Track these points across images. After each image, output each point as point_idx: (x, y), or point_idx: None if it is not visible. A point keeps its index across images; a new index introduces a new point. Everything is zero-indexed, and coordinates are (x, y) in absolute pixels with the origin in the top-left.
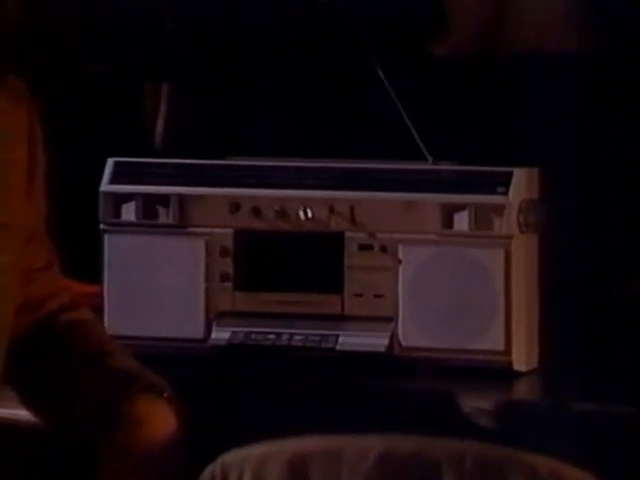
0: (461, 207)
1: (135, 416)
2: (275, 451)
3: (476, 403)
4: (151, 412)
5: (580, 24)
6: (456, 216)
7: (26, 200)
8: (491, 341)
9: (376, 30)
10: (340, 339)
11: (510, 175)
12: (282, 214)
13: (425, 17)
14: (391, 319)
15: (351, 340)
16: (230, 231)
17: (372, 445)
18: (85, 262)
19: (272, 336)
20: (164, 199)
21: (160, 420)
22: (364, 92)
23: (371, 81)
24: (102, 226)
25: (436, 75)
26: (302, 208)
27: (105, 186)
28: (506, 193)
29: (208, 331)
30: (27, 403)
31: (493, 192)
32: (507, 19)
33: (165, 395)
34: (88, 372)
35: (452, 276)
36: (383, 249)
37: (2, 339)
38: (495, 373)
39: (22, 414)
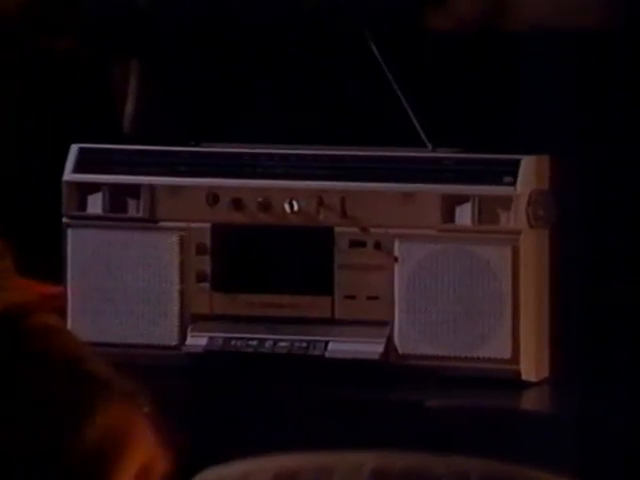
0: (464, 199)
1: (111, 427)
2: (258, 469)
3: (480, 416)
4: (128, 423)
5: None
6: (458, 209)
7: None
8: (497, 348)
9: (370, 3)
10: (330, 345)
11: (518, 163)
12: (265, 207)
13: None
14: (386, 323)
15: (342, 347)
16: (207, 226)
17: (366, 461)
18: (45, 259)
19: (254, 342)
20: (134, 190)
21: (139, 432)
22: (356, 71)
23: (364, 59)
24: (65, 219)
25: (436, 54)
26: (287, 200)
27: (68, 175)
28: (513, 183)
29: (183, 337)
30: None
31: (499, 182)
32: None
33: (145, 408)
34: (58, 379)
35: (454, 276)
36: (377, 246)
37: None
38: (502, 383)
39: None
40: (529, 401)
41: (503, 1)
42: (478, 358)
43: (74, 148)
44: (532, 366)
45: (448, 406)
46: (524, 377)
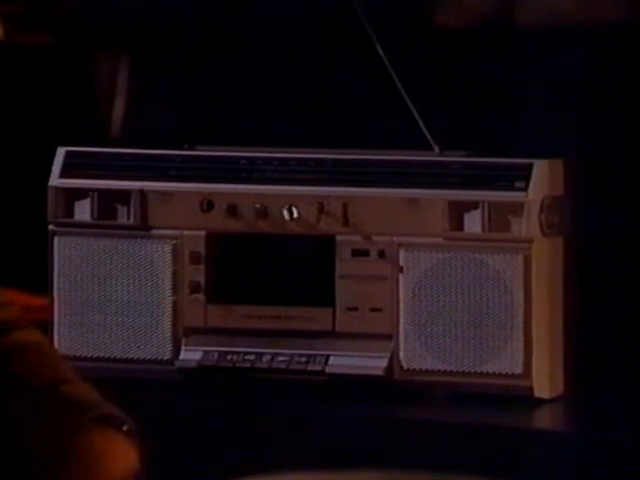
0: (473, 205)
1: (90, 452)
2: None
3: (490, 434)
4: (109, 448)
5: None
6: (467, 216)
7: None
8: (508, 363)
9: (375, 3)
10: (331, 360)
11: (530, 168)
12: (263, 214)
13: None
14: (390, 337)
15: (344, 361)
16: (202, 233)
17: None
18: (30, 269)
19: (251, 357)
20: (124, 195)
21: (118, 456)
22: (359, 71)
23: (367, 57)
24: (51, 227)
25: (443, 52)
26: (286, 207)
27: (55, 180)
28: (525, 189)
29: (176, 351)
30: None
31: (510, 188)
32: None
33: (125, 428)
34: (37, 401)
35: (462, 286)
36: (381, 255)
37: None
38: (513, 400)
39: None
40: (542, 419)
41: None
42: (488, 373)
43: (61, 151)
44: (545, 382)
45: (456, 424)
46: (537, 394)
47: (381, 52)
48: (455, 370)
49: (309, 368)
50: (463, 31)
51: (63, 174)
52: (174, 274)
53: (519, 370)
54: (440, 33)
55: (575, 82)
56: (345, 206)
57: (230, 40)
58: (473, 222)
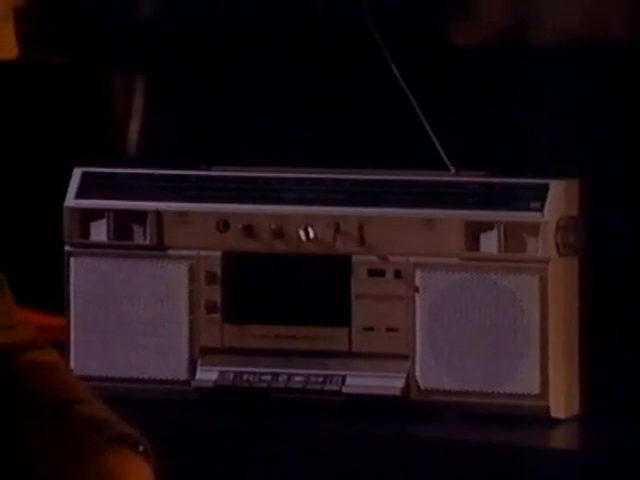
0: (489, 226)
1: (106, 472)
2: None
3: (507, 454)
4: (125, 468)
5: (625, 12)
6: (483, 236)
7: None
8: (525, 383)
9: (390, 20)
10: (347, 380)
11: (546, 188)
12: (279, 234)
13: (445, 3)
14: (407, 357)
15: (360, 381)
16: (218, 254)
17: None
18: (46, 289)
19: (267, 377)
20: (140, 216)
21: (134, 476)
22: (375, 91)
23: (383, 77)
24: (67, 247)
25: (459, 71)
26: (303, 227)
27: (71, 201)
28: (541, 209)
29: (192, 371)
30: None
31: (526, 208)
32: (539, 4)
33: (141, 449)
34: (52, 421)
35: (478, 307)
36: (397, 275)
37: None
38: (529, 420)
39: None
40: (558, 439)
41: (530, 15)
42: (504, 394)
43: (77, 172)
44: (561, 402)
45: (472, 443)
46: (553, 414)
47: (396, 72)
48: (472, 390)
49: (326, 388)
50: (479, 49)
51: (79, 195)
52: (190, 294)
53: (536, 390)
54: (456, 52)
55: (592, 101)
56: (361, 226)
57: (247, 61)
58: (489, 242)
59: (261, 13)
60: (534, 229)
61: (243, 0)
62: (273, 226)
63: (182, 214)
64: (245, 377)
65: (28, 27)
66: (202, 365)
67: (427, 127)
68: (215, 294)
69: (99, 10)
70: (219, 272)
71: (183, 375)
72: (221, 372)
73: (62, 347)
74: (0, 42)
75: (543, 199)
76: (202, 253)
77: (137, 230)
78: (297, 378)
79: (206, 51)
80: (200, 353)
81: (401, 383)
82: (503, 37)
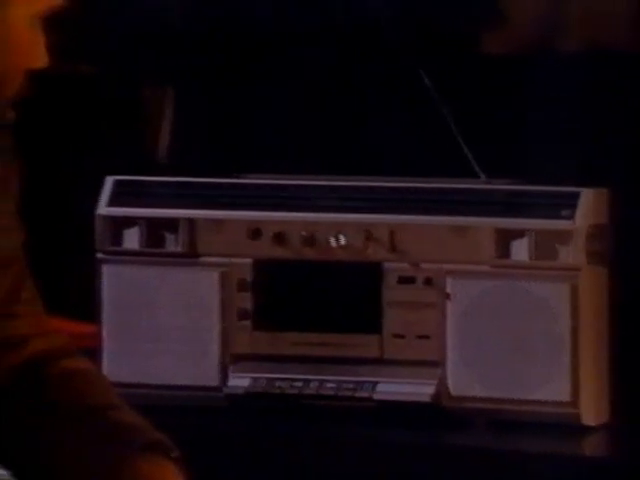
0: (519, 234)
1: (138, 479)
2: None
3: (538, 462)
4: (158, 475)
5: None
6: (513, 244)
7: (0, 217)
8: (556, 390)
9: (420, 29)
10: (378, 387)
11: (576, 196)
12: (310, 241)
13: (477, 13)
14: (438, 364)
15: (391, 388)
16: (249, 261)
17: None
18: (79, 297)
19: (299, 383)
20: (172, 224)
21: None
22: (405, 99)
23: (414, 86)
24: (99, 255)
25: (490, 80)
26: (334, 234)
27: (103, 209)
28: (572, 217)
29: (224, 378)
30: (8, 464)
31: (557, 216)
32: (568, 13)
33: (173, 455)
34: (84, 428)
35: (509, 314)
36: (428, 282)
37: None
38: (560, 428)
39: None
40: (589, 446)
41: (561, 24)
42: (535, 401)
43: (109, 180)
44: (591, 409)
45: (502, 450)
46: (584, 421)
47: (427, 80)
48: (502, 397)
49: (357, 395)
50: (509, 57)
51: (111, 203)
52: (222, 301)
53: (567, 398)
54: (486, 60)
55: (623, 109)
56: (392, 233)
57: (277, 69)
58: (520, 250)
59: (289, 22)
60: (565, 237)
61: (270, 10)
62: (304, 233)
63: (214, 222)
64: (277, 384)
65: (59, 37)
66: (233, 372)
67: (458, 135)
68: (246, 301)
69: (129, 19)
70: (250, 279)
71: (215, 382)
72: (253, 379)
73: (93, 354)
74: (32, 52)
75: (574, 207)
76: (233, 260)
77: (169, 238)
78: (328, 385)
79: (236, 60)
80: (231, 360)
81: (432, 390)
82: (533, 45)
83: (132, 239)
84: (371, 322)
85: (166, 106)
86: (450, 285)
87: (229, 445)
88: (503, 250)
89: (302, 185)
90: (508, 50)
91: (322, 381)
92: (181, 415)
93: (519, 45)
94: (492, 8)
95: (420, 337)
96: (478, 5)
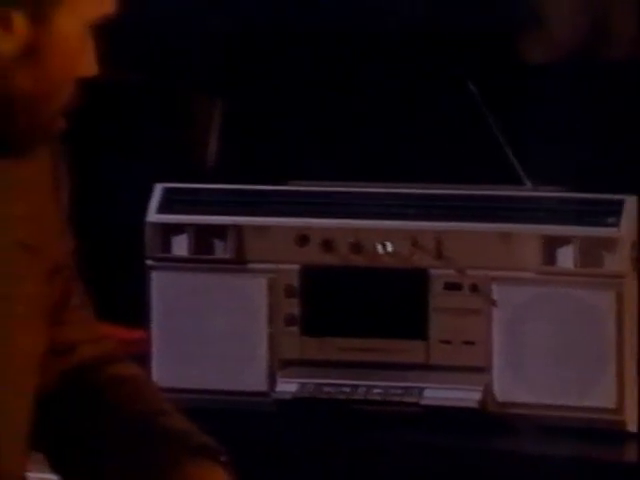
0: (565, 241)
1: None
2: None
3: (582, 468)
4: (206, 478)
5: None
6: (559, 251)
7: (50, 223)
8: (601, 397)
9: (466, 38)
10: (425, 392)
11: (622, 204)
12: (357, 248)
13: (519, 22)
14: (484, 370)
15: (438, 394)
16: (296, 267)
17: None
18: (128, 303)
19: (346, 389)
20: (220, 231)
21: None
22: (451, 106)
23: (460, 93)
24: (149, 262)
25: (535, 87)
26: (380, 241)
27: (152, 216)
28: (617, 225)
29: (272, 383)
30: (59, 469)
31: (602, 223)
32: (612, 21)
33: (222, 460)
34: (134, 433)
35: (555, 320)
36: (474, 288)
37: (30, 379)
38: (605, 434)
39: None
40: (633, 453)
41: (604, 29)
42: (580, 407)
43: (158, 188)
44: (635, 416)
45: (549, 457)
46: (629, 428)
47: (472, 87)
48: (548, 404)
49: (404, 400)
50: (552, 65)
51: (160, 210)
52: (269, 307)
53: (612, 404)
54: (530, 67)
55: None
56: (438, 240)
57: (323, 76)
58: (565, 257)
59: (338, 30)
60: (610, 244)
61: (318, 18)
62: (351, 240)
63: (262, 228)
64: (324, 389)
65: (109, 46)
66: (282, 377)
67: (503, 142)
68: (294, 307)
69: (178, 28)
70: (298, 285)
71: (263, 387)
72: (300, 384)
73: (143, 360)
74: (82, 61)
75: (619, 214)
76: (281, 267)
77: (217, 244)
78: (376, 390)
79: (283, 67)
80: (279, 365)
81: (478, 396)
82: (578, 52)
83: (181, 246)
84: (417, 328)
85: (214, 113)
86: (496, 292)
87: (277, 450)
88: (549, 257)
89: (349, 192)
90: (553, 58)
91: (369, 386)
92: (229, 420)
93: (564, 53)
94: (535, 15)
95: (466, 343)
96: (520, 13)
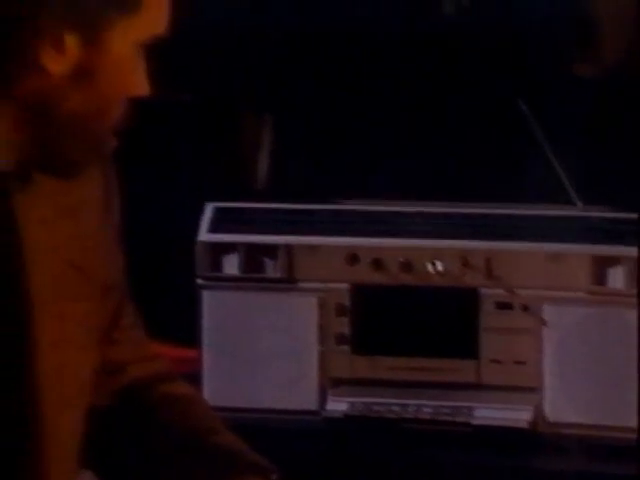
0: (616, 261)
1: None
2: None
3: None
4: None
5: None
6: (610, 271)
7: (100, 243)
8: None
9: (516, 55)
10: (476, 412)
11: None
12: (407, 267)
13: (571, 37)
14: (534, 390)
15: (489, 413)
16: (347, 286)
17: None
18: (179, 322)
19: (397, 407)
20: (271, 250)
21: None
22: (502, 126)
23: (510, 113)
24: (199, 281)
25: (586, 105)
26: (431, 260)
27: (203, 235)
28: None
29: (322, 401)
30: None
31: None
32: None
33: (273, 478)
34: (185, 452)
35: (605, 341)
36: (525, 308)
37: (82, 398)
38: None
39: None
40: None
41: None
42: (631, 428)
43: (209, 207)
44: None
45: (599, 476)
46: None
47: (525, 109)
48: (600, 424)
49: (455, 419)
50: (606, 82)
51: (211, 229)
52: (320, 326)
53: None
54: (583, 85)
55: None
56: (488, 260)
57: (373, 96)
58: (616, 277)
59: (388, 47)
60: None
61: (364, 35)
62: (401, 259)
63: (312, 247)
64: (375, 408)
65: (159, 65)
66: (332, 396)
67: (554, 162)
68: (344, 326)
69: (227, 47)
70: (348, 304)
71: (314, 406)
72: (351, 403)
73: (194, 379)
74: (134, 81)
75: None
76: (331, 286)
77: (268, 263)
78: (426, 409)
79: (333, 86)
80: (330, 384)
81: (529, 416)
82: (626, 70)
83: (232, 265)
84: (468, 347)
85: (264, 132)
86: (547, 312)
87: (328, 468)
88: (599, 277)
89: (399, 211)
90: (602, 76)
91: (420, 405)
92: (280, 438)
93: (612, 70)
94: (587, 31)
95: (517, 363)
96: (571, 31)
